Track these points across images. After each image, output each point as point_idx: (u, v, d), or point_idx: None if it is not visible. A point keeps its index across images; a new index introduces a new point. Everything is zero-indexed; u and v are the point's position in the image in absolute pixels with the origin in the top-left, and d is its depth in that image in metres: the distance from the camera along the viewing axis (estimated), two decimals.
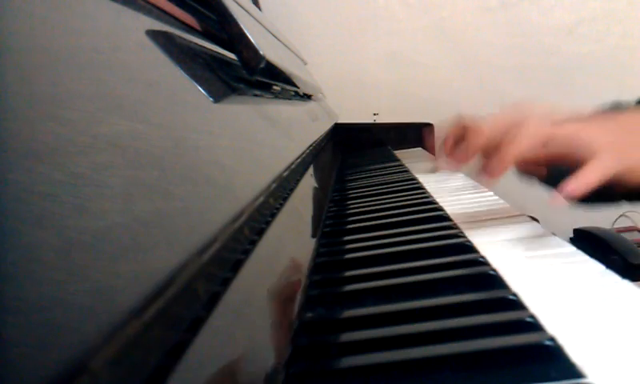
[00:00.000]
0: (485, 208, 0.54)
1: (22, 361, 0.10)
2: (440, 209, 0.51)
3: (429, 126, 1.23)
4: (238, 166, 0.29)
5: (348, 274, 0.36)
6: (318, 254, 0.41)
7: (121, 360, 0.12)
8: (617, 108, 0.76)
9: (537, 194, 0.56)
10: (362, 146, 1.25)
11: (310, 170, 0.57)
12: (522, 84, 1.51)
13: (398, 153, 1.08)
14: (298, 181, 0.47)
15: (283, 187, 0.39)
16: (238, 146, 0.32)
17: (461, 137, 0.75)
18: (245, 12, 0.50)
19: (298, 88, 0.73)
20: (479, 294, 0.30)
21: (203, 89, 0.32)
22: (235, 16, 0.42)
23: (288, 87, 0.67)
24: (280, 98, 0.61)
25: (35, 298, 0.11)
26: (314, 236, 0.45)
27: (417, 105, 1.52)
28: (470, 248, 0.39)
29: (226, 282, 0.21)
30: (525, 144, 0.41)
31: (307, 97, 0.90)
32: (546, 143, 0.42)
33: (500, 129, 0.52)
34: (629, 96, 0.78)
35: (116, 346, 0.12)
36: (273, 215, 0.33)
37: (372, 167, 0.88)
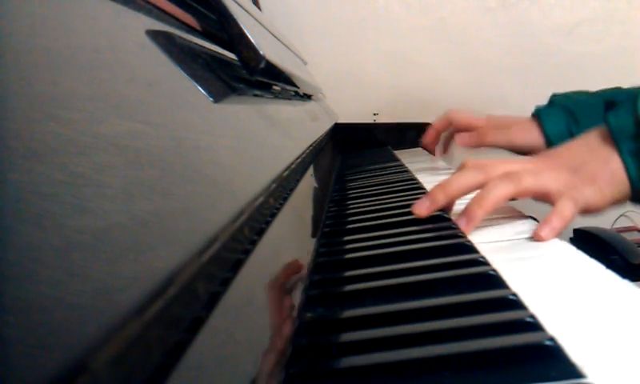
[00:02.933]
0: None
1: (21, 361, 0.10)
2: (440, 208, 0.51)
3: (429, 126, 1.22)
4: (237, 165, 0.29)
5: (348, 274, 0.36)
6: (317, 253, 0.41)
7: (121, 360, 0.12)
8: (617, 93, 0.78)
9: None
10: (362, 145, 1.25)
11: (310, 170, 0.57)
12: (522, 84, 1.51)
13: (398, 153, 1.08)
14: (298, 181, 0.47)
15: (283, 187, 0.39)
16: (237, 146, 0.32)
17: (445, 129, 0.87)
18: (245, 12, 0.50)
19: (298, 88, 0.73)
20: (479, 294, 0.30)
21: (203, 89, 0.32)
22: (235, 16, 0.42)
23: (288, 87, 0.67)
24: (280, 98, 0.61)
25: (35, 298, 0.11)
26: (314, 236, 0.45)
27: (417, 105, 1.52)
28: (469, 248, 0.39)
29: (225, 282, 0.21)
30: (490, 206, 0.46)
31: (307, 97, 0.90)
32: (514, 198, 0.48)
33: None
34: None
35: (116, 346, 0.12)
36: (273, 215, 0.33)
37: (372, 167, 0.88)
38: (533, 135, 0.81)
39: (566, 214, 0.45)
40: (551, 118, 0.80)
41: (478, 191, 0.48)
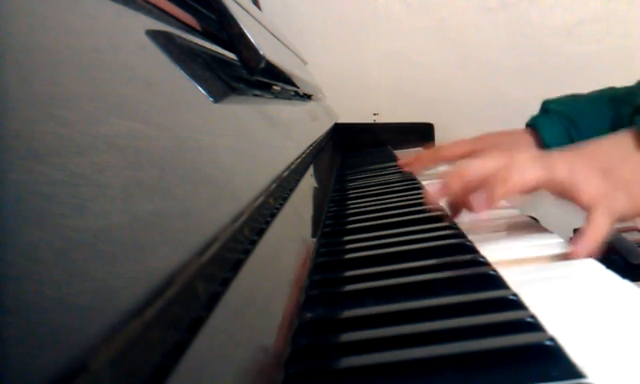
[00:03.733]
0: None
1: (22, 361, 0.10)
2: (440, 209, 0.51)
3: (429, 126, 1.23)
4: (237, 165, 0.29)
5: (348, 274, 0.36)
6: (318, 254, 0.41)
7: (121, 360, 0.12)
8: (615, 93, 0.78)
9: (536, 193, 0.56)
10: (362, 145, 1.25)
11: (310, 170, 0.57)
12: (522, 84, 1.51)
13: (398, 153, 1.08)
14: (298, 181, 0.47)
15: (283, 187, 0.39)
16: (238, 146, 0.32)
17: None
18: (245, 12, 0.50)
19: (298, 88, 0.73)
20: (479, 294, 0.30)
21: (203, 89, 0.32)
22: (235, 16, 0.42)
23: (288, 87, 0.67)
24: (280, 98, 0.61)
25: (35, 298, 0.11)
26: (314, 236, 0.45)
27: (417, 105, 1.52)
28: (469, 248, 0.39)
29: (225, 282, 0.21)
30: (515, 188, 0.40)
31: (307, 97, 0.90)
32: (538, 187, 0.42)
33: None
34: None
35: (116, 346, 0.12)
36: (273, 215, 0.33)
37: (372, 167, 0.88)
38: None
39: (603, 229, 0.41)
40: (548, 127, 0.79)
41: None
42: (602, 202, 0.42)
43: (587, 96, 0.83)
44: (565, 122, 0.79)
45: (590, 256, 0.39)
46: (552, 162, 0.42)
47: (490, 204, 0.40)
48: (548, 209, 0.46)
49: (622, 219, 0.45)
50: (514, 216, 0.52)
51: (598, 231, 0.40)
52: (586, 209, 0.42)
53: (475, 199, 0.40)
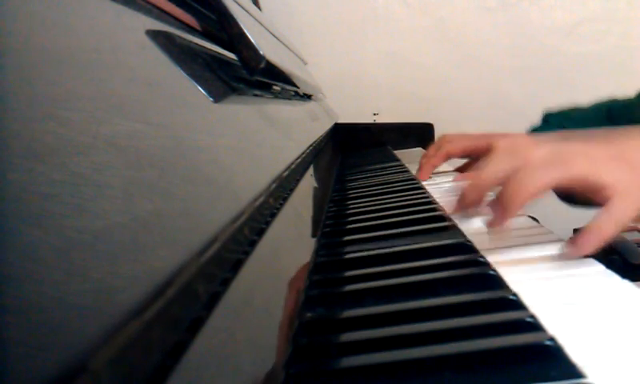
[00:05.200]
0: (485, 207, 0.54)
1: (22, 361, 0.10)
2: (440, 209, 0.51)
3: (429, 126, 1.22)
4: (237, 166, 0.29)
5: (348, 273, 0.36)
6: (318, 253, 0.41)
7: (121, 360, 0.12)
8: (613, 105, 0.79)
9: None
10: (362, 145, 1.25)
11: (310, 170, 0.57)
12: (522, 84, 1.51)
13: (398, 153, 1.08)
14: (298, 181, 0.47)
15: (283, 187, 0.39)
16: (238, 146, 0.32)
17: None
18: (245, 12, 0.50)
19: (298, 88, 0.73)
20: (479, 294, 0.30)
21: (203, 89, 0.32)
22: (235, 16, 0.42)
23: (288, 87, 0.67)
24: (280, 98, 0.61)
25: (35, 298, 0.11)
26: (314, 236, 0.45)
27: (417, 105, 1.52)
28: (469, 248, 0.39)
29: (225, 282, 0.21)
30: (531, 196, 0.37)
31: (307, 97, 0.90)
32: (556, 187, 0.38)
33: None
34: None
35: (116, 346, 0.12)
36: (273, 215, 0.33)
37: (372, 167, 0.88)
38: None
39: (623, 215, 0.36)
40: None
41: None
42: (628, 189, 0.37)
43: (586, 108, 0.83)
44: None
45: (598, 247, 0.36)
46: (569, 158, 0.38)
47: (507, 217, 0.37)
48: (548, 209, 0.46)
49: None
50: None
51: (618, 218, 0.36)
52: (608, 199, 0.37)
53: (491, 213, 0.37)
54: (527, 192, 0.37)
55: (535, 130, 0.82)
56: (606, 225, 0.36)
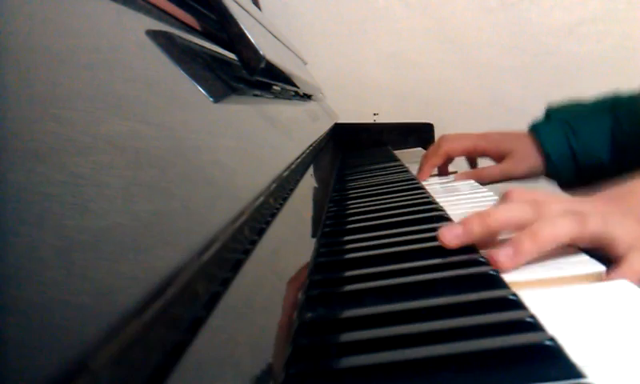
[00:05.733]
0: (485, 207, 0.54)
1: (22, 361, 0.10)
2: (440, 209, 0.51)
3: (428, 126, 1.23)
4: (238, 166, 0.29)
5: (348, 273, 0.36)
6: (318, 254, 0.41)
7: (121, 360, 0.12)
8: (617, 99, 0.78)
9: None
10: (362, 145, 1.25)
11: (310, 170, 0.57)
12: (522, 84, 1.51)
13: (398, 153, 1.08)
14: (298, 181, 0.47)
15: (283, 187, 0.39)
16: (238, 146, 0.32)
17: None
18: (245, 12, 0.50)
19: (298, 88, 0.73)
20: (479, 294, 0.30)
21: (203, 89, 0.32)
22: (235, 16, 0.42)
23: (288, 87, 0.67)
24: (280, 98, 0.61)
25: (35, 298, 0.11)
26: (314, 236, 0.45)
27: (417, 105, 1.52)
28: (469, 248, 0.39)
29: (225, 282, 0.21)
30: (546, 244, 0.37)
31: (307, 97, 0.90)
32: (570, 242, 0.38)
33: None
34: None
35: (116, 346, 0.12)
36: (273, 215, 0.33)
37: (372, 167, 0.88)
38: (531, 160, 0.80)
39: (637, 268, 0.36)
40: (548, 134, 0.80)
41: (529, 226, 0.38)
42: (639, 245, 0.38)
43: (589, 102, 0.83)
44: (565, 128, 0.80)
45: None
46: (584, 213, 0.38)
47: (518, 261, 0.36)
48: None
49: None
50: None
51: (632, 269, 0.36)
52: (622, 257, 0.38)
53: (501, 254, 0.36)
54: (543, 238, 0.36)
55: (537, 125, 0.82)
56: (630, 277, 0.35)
